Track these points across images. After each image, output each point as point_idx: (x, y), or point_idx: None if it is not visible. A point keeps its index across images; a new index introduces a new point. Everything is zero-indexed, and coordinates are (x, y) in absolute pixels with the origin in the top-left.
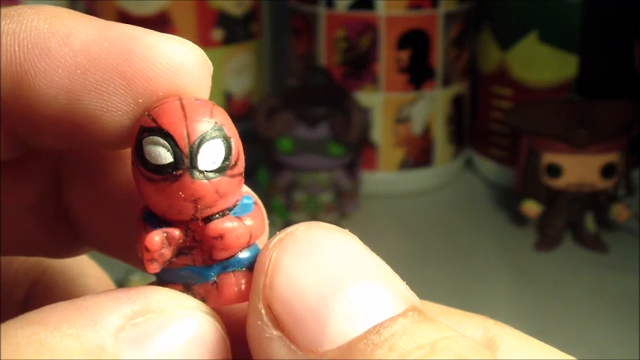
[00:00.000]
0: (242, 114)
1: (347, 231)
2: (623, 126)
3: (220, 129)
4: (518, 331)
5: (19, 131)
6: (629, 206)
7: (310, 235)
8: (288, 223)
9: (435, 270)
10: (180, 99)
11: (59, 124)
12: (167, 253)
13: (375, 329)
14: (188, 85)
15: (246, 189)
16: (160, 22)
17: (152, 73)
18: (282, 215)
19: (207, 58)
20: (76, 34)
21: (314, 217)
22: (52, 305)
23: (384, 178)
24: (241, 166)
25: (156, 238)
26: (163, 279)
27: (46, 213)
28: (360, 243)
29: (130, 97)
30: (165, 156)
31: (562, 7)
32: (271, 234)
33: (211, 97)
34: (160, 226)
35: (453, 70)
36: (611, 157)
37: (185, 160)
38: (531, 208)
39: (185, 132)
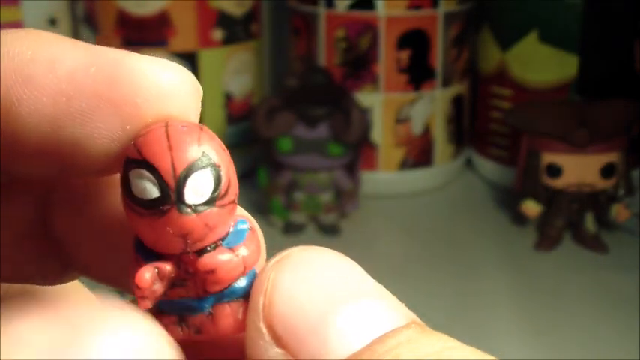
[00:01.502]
0: (242, 114)
1: (342, 254)
2: (623, 126)
3: (208, 158)
4: None
5: (2, 160)
6: (629, 206)
7: (307, 256)
8: (288, 223)
9: (435, 270)
10: (166, 126)
11: (44, 152)
12: (159, 288)
13: (380, 339)
14: (177, 110)
15: (241, 212)
16: (160, 22)
17: (140, 99)
18: (282, 215)
19: (197, 82)
20: (61, 60)
21: (314, 217)
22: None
23: (384, 178)
24: (232, 193)
25: (146, 275)
26: (159, 309)
27: (35, 240)
28: (357, 264)
29: (117, 124)
30: (151, 190)
31: (562, 7)
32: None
33: (212, 98)
34: (152, 258)
35: (453, 70)
36: (611, 157)
37: (172, 195)
38: (531, 208)
39: (171, 164)
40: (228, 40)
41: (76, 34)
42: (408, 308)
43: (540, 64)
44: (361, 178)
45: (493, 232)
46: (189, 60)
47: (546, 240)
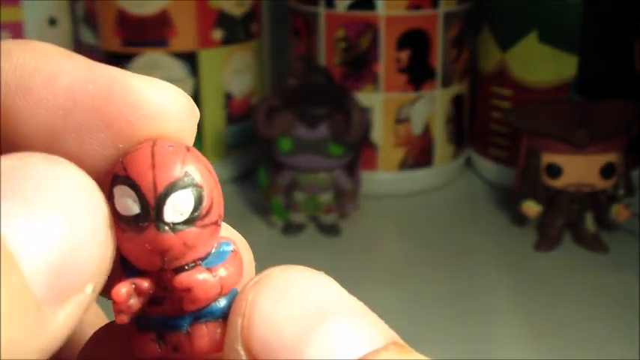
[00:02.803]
0: (242, 114)
1: (322, 273)
2: (623, 126)
3: (190, 178)
4: None
5: None
6: (629, 206)
7: (287, 276)
8: (288, 223)
9: (435, 270)
10: (153, 145)
11: None
12: (135, 304)
13: None
14: (171, 131)
15: (231, 232)
16: (160, 22)
17: (134, 119)
18: (282, 215)
19: (194, 104)
20: (61, 75)
21: (314, 217)
22: None
23: (384, 178)
24: (215, 214)
25: (122, 290)
26: (139, 326)
27: None
28: (337, 284)
29: (110, 142)
30: (132, 207)
31: (562, 7)
32: (271, 234)
33: (212, 98)
34: (133, 274)
35: (452, 70)
36: (611, 157)
37: (151, 212)
38: (531, 208)
39: (152, 182)
40: (228, 40)
41: (76, 34)
42: (408, 308)
43: (540, 64)
44: (361, 178)
45: (493, 232)
46: (189, 60)
47: (546, 240)
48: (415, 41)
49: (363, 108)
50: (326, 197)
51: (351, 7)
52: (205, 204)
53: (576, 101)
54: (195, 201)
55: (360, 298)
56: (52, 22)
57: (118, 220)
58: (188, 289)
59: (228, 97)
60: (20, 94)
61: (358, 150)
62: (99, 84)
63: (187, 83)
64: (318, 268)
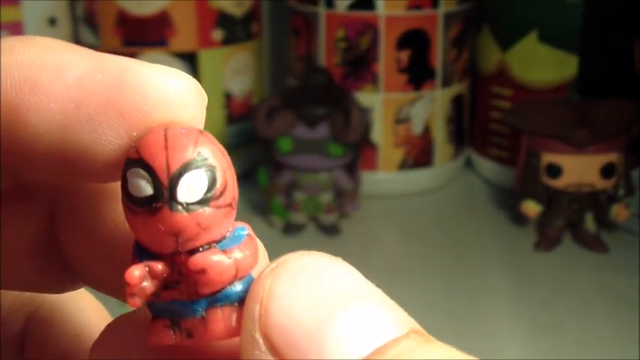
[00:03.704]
0: (242, 114)
1: (340, 259)
2: (623, 126)
3: (203, 159)
4: None
5: (10, 165)
6: (629, 206)
7: (304, 263)
8: (288, 223)
9: (435, 270)
10: (165, 129)
11: (52, 158)
12: (149, 287)
13: (379, 350)
14: (182, 117)
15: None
16: (160, 22)
17: (146, 107)
18: (282, 215)
19: (202, 89)
20: (69, 67)
21: (314, 217)
22: None
23: (384, 178)
24: (229, 196)
25: (135, 272)
26: (154, 313)
27: (41, 250)
28: (356, 270)
29: (124, 131)
30: (145, 188)
31: (562, 7)
32: (271, 234)
33: (212, 98)
34: (147, 258)
35: (452, 70)
36: (611, 157)
37: (165, 192)
38: (531, 208)
39: (165, 163)
40: (228, 40)
41: (76, 34)
42: (409, 308)
43: (540, 64)
44: (361, 178)
45: (493, 232)
46: (189, 60)
47: (546, 240)
48: (415, 41)
49: (362, 108)
50: (326, 197)
51: (351, 7)
52: (219, 185)
53: (576, 101)
54: (209, 181)
55: None
56: (52, 22)
57: (132, 203)
58: (202, 271)
59: (228, 97)
60: (29, 90)
61: (358, 150)
62: (108, 73)
63: None
64: None
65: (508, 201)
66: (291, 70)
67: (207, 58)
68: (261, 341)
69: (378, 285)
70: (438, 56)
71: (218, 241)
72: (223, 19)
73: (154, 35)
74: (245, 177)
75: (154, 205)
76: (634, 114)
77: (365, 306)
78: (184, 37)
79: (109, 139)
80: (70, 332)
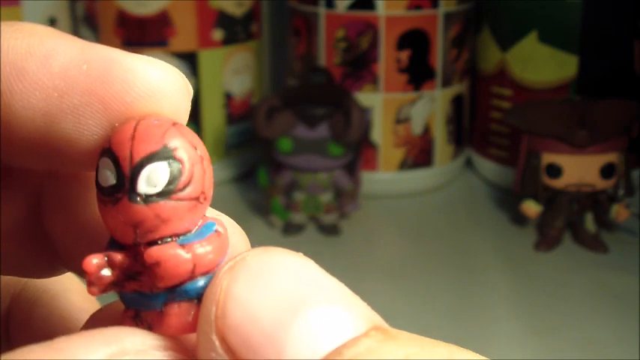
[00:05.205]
0: (242, 114)
1: (302, 254)
2: (623, 126)
3: (168, 151)
4: (482, 357)
5: None
6: (629, 206)
7: (262, 261)
8: (288, 223)
9: (435, 270)
10: (139, 119)
11: (35, 146)
12: (107, 276)
13: (337, 351)
14: (166, 109)
15: (216, 214)
16: (160, 22)
17: (129, 97)
18: (282, 215)
19: (187, 82)
20: (55, 56)
21: (314, 217)
22: (27, 349)
23: (384, 178)
24: (195, 190)
25: (93, 260)
26: (124, 303)
27: (29, 236)
28: (317, 266)
29: (107, 122)
30: (110, 178)
31: (562, 7)
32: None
33: (212, 98)
34: (115, 248)
35: (452, 70)
36: (611, 157)
37: (126, 183)
38: (531, 208)
39: (129, 153)
40: (228, 40)
41: (76, 34)
42: (408, 308)
43: (540, 64)
44: (361, 178)
45: (493, 232)
46: (189, 60)
47: (546, 240)
48: (415, 41)
49: (363, 108)
50: (326, 197)
51: (351, 7)
52: (184, 178)
53: (576, 101)
54: (170, 174)
55: (360, 297)
56: (52, 22)
57: (100, 192)
58: (157, 264)
59: (228, 97)
60: (15, 77)
61: (358, 150)
62: (93, 64)
63: None
64: None
65: (508, 201)
66: (291, 70)
67: (207, 58)
68: (217, 343)
69: (378, 285)
70: (438, 56)
71: (181, 235)
72: (223, 19)
73: (154, 35)
74: (245, 177)
75: (116, 195)
76: (634, 114)
77: (324, 305)
78: (184, 37)
79: (92, 129)
80: (55, 314)
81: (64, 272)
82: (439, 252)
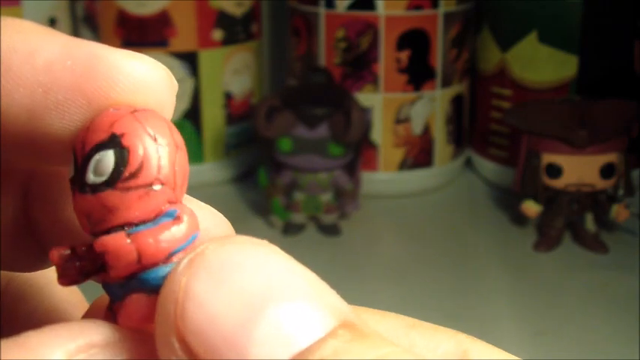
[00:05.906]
0: (242, 114)
1: (265, 242)
2: (623, 126)
3: (116, 139)
4: (490, 345)
5: None
6: (629, 206)
7: (222, 255)
8: (288, 223)
9: (435, 270)
10: (104, 111)
11: (20, 142)
12: (71, 268)
13: (302, 354)
14: (151, 104)
15: (199, 205)
16: (160, 22)
17: (114, 93)
18: (282, 215)
19: (172, 77)
20: (39, 52)
21: (314, 217)
22: None
23: (384, 178)
24: (147, 178)
25: (55, 253)
26: (107, 294)
27: (13, 230)
28: (281, 254)
29: (91, 117)
30: (71, 169)
31: (562, 7)
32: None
33: (212, 98)
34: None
35: (452, 70)
36: (611, 157)
37: (79, 174)
38: (531, 208)
39: (81, 145)
40: (228, 40)
41: (76, 34)
42: (408, 308)
43: (540, 64)
44: (361, 178)
45: (493, 232)
46: (189, 60)
47: (546, 240)
48: (415, 41)
49: (363, 108)
50: (326, 197)
51: (351, 7)
52: (132, 165)
53: (576, 101)
54: (116, 162)
55: (360, 297)
56: (52, 22)
57: (70, 184)
58: (103, 253)
59: (228, 97)
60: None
61: (358, 150)
62: (77, 60)
63: (187, 83)
64: (318, 268)
65: (508, 201)
66: (291, 70)
67: (207, 58)
68: (177, 345)
69: (378, 285)
70: (438, 56)
71: (137, 224)
72: (223, 19)
73: (154, 35)
74: (245, 177)
75: (73, 186)
76: (634, 114)
77: (288, 302)
78: (184, 37)
79: (77, 125)
80: (42, 307)
81: (50, 266)
82: (439, 252)
